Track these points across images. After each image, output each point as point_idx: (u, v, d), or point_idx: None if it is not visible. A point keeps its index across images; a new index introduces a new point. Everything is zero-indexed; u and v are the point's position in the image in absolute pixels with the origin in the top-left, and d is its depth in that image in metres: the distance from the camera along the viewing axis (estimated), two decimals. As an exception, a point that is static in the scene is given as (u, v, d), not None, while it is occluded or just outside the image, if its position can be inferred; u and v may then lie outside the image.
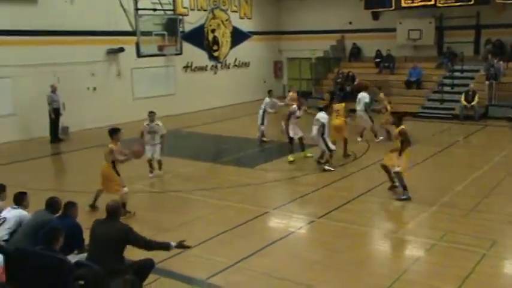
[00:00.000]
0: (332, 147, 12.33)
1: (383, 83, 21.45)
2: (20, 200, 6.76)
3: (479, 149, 15.24)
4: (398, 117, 10.48)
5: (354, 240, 8.27)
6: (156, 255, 6.38)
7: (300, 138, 13.38)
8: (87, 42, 17.87)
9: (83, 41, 17.71)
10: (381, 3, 22.90)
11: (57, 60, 16.97)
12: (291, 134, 13.19)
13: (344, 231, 8.62)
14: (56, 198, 6.74)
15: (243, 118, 20.45)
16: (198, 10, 22.67)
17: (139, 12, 17.85)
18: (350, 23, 24.50)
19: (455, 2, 21.08)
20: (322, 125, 12.17)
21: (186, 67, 22.37)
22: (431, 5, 21.66)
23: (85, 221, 6.77)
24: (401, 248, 8.27)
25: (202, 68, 23.21)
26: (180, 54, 20.19)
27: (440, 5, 21.38)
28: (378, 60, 23.54)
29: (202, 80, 22.86)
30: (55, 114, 16.22)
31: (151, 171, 11.98)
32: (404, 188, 9.97)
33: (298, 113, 13.32)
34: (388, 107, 15.40)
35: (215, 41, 23.75)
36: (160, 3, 18.94)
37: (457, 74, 21.30)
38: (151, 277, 6.21)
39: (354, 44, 24.82)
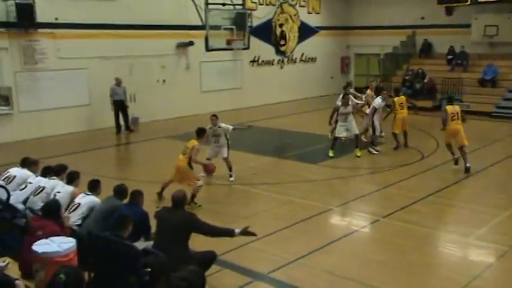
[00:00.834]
0: (377, 132, 13.73)
1: (455, 81, 20.76)
2: (93, 187, 7.02)
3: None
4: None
5: (420, 242, 8.02)
6: (218, 247, 6.48)
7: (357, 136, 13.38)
8: (158, 36, 18.33)
9: (155, 35, 18.18)
10: (455, -3, 22.05)
11: (131, 53, 17.53)
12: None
13: (410, 233, 8.37)
14: (124, 185, 6.95)
15: (308, 114, 20.33)
16: (267, 5, 22.69)
17: (209, 6, 18.16)
18: (422, 18, 23.73)
19: (536, -4, 19.98)
20: (374, 109, 13.51)
21: (253, 61, 22.48)
22: (509, 0, 20.60)
23: (149, 207, 6.96)
24: (472, 253, 7.92)
25: (268, 63, 23.25)
26: (248, 48, 20.35)
27: (520, -1, 20.32)
28: (450, 57, 22.67)
29: (268, 74, 22.91)
30: (116, 106, 16.47)
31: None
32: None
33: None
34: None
35: (282, 36, 23.72)
36: (230, -2, 19.17)
37: (537, 72, 20.22)
38: (213, 268, 6.29)
39: (425, 40, 24.02)
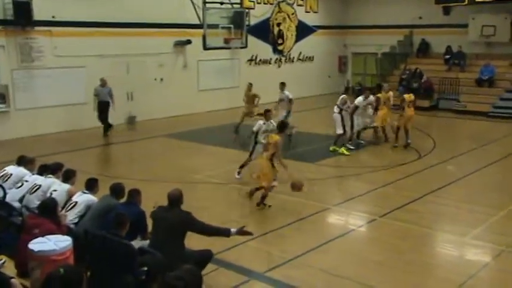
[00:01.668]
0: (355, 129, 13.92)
1: (452, 80, 20.80)
2: (91, 186, 6.99)
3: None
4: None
5: (416, 241, 8.03)
6: (214, 246, 6.46)
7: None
8: (156, 34, 18.29)
9: (153, 33, 18.14)
10: (452, -3, 22.06)
11: (128, 51, 17.48)
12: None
13: (407, 232, 8.38)
14: (121, 184, 6.89)
15: (306, 112, 20.29)
16: (265, 4, 22.68)
17: (207, 5, 18.13)
18: (420, 17, 23.74)
19: (534, -3, 20.01)
20: (355, 106, 13.78)
21: (250, 60, 22.47)
22: (507, 0, 20.62)
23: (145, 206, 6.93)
24: (468, 252, 7.94)
25: (266, 62, 23.24)
26: (245, 47, 20.33)
27: (517, -1, 20.34)
28: (447, 56, 22.71)
29: (266, 73, 22.83)
30: (99, 107, 15.89)
31: (239, 173, 11.23)
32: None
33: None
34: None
35: (280, 35, 23.71)
36: (228, -3, 19.14)
37: (534, 72, 20.25)
38: (209, 267, 6.28)
39: (423, 39, 24.04)
